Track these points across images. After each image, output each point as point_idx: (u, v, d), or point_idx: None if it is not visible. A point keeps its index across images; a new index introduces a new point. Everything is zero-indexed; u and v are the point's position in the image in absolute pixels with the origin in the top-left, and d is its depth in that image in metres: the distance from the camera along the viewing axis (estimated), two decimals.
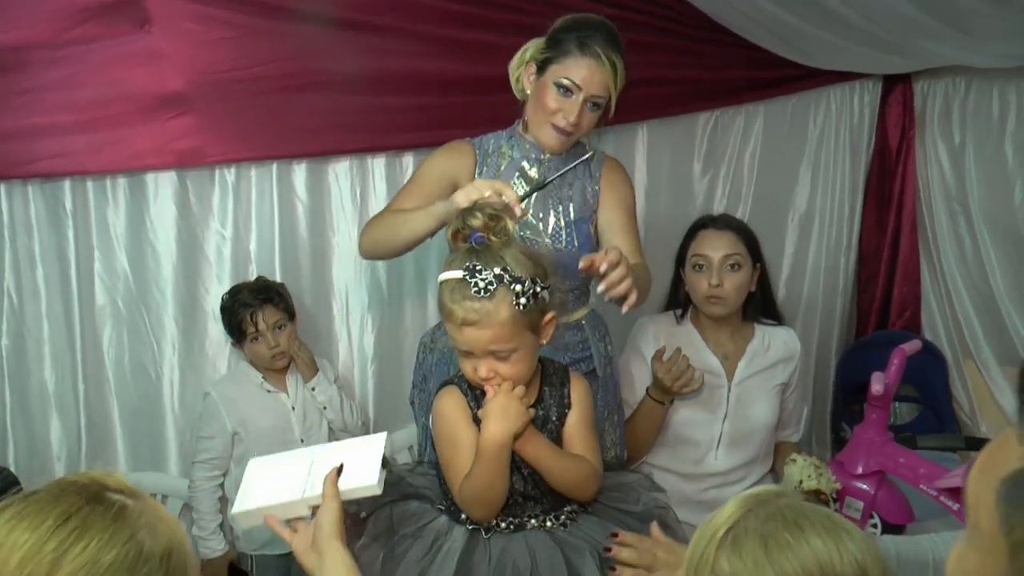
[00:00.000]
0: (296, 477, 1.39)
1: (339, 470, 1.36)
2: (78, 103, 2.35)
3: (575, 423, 1.57)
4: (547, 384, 1.58)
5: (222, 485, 2.45)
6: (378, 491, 1.36)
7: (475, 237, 1.43)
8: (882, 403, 2.10)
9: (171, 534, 0.93)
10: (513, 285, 1.40)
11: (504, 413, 1.44)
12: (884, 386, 2.04)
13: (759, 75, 3.04)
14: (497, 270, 1.40)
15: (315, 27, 2.51)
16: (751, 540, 0.93)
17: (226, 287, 2.51)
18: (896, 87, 3.24)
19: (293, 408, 2.46)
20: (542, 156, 2.08)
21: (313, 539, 1.30)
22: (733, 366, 2.33)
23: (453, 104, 2.63)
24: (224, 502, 2.44)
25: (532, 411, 1.48)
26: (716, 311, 2.30)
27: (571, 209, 2.08)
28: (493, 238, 1.44)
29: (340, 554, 1.27)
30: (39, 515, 0.87)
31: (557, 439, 1.56)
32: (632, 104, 2.86)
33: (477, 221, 1.44)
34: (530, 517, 1.52)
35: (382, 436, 1.45)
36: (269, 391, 2.46)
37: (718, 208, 3.14)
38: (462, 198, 1.69)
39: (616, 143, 2.99)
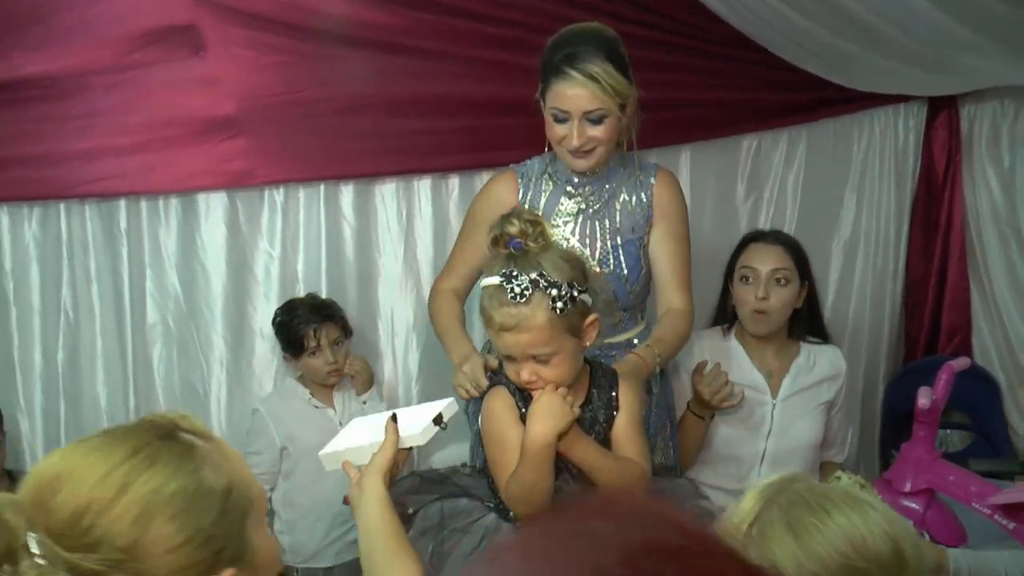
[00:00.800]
0: (374, 427, 1.47)
1: (394, 418, 1.42)
2: (133, 126, 2.43)
3: (623, 425, 1.58)
4: (595, 386, 1.59)
5: (270, 499, 2.47)
6: (422, 442, 1.42)
7: (513, 243, 1.46)
8: (930, 419, 2.06)
9: (234, 475, 0.98)
10: (549, 290, 1.43)
11: (548, 413, 1.45)
12: (932, 401, 2.00)
13: (801, 98, 3.04)
14: (533, 275, 1.42)
15: (361, 52, 2.58)
16: (778, 530, 0.93)
17: (274, 306, 2.56)
18: (941, 112, 3.22)
19: (340, 423, 2.49)
20: (582, 178, 2.07)
21: (361, 475, 1.36)
22: (778, 383, 2.31)
23: (498, 126, 2.66)
24: (272, 515, 2.47)
25: (578, 411, 1.48)
26: (760, 329, 2.30)
27: (618, 231, 2.07)
28: (531, 244, 1.47)
29: (378, 489, 1.33)
30: (113, 447, 0.93)
31: (605, 441, 1.56)
32: (675, 126, 2.92)
33: (514, 228, 1.47)
34: None
35: (449, 400, 1.50)
36: (317, 407, 2.49)
37: None
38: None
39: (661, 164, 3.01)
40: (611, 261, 2.06)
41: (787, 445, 2.25)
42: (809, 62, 2.88)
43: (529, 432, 1.45)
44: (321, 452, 1.53)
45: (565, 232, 2.06)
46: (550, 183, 2.10)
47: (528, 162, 2.15)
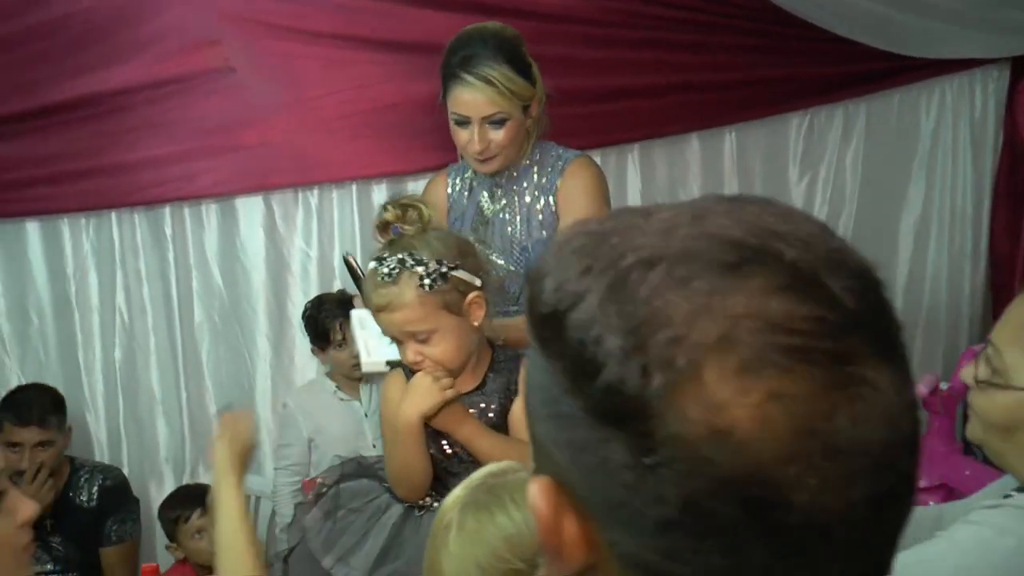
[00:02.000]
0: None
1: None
2: (175, 136, 2.60)
3: (520, 408, 1.56)
4: (493, 370, 1.59)
5: (301, 490, 2.58)
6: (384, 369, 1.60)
7: (393, 229, 1.49)
8: (946, 409, 1.91)
9: None
10: (415, 267, 1.45)
11: (415, 393, 1.49)
12: (934, 388, 1.85)
13: (855, 69, 2.87)
14: (401, 255, 1.46)
15: (388, 52, 2.65)
16: (449, 534, 0.89)
17: None
18: None
19: (366, 415, 2.57)
20: (496, 178, 2.03)
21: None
22: None
23: None
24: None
25: (450, 393, 1.49)
26: None
27: (529, 233, 2.01)
28: (407, 228, 1.49)
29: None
30: None
31: (500, 425, 1.57)
32: (715, 108, 2.83)
33: (389, 214, 1.50)
34: None
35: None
36: (343, 399, 2.58)
37: (819, 214, 2.96)
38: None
39: (702, 150, 2.93)
40: (523, 264, 2.02)
41: None
42: (853, 31, 2.71)
43: (397, 413, 1.50)
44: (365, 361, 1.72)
45: (482, 237, 2.03)
46: (474, 182, 2.08)
47: (462, 161, 2.13)
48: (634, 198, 2.89)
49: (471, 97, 1.87)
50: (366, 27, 2.65)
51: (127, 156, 2.58)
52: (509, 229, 2.03)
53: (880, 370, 0.49)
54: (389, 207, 1.51)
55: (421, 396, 1.48)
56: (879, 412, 0.48)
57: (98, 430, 2.72)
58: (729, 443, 0.46)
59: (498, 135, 1.90)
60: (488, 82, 1.86)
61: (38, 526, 0.90)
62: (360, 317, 1.73)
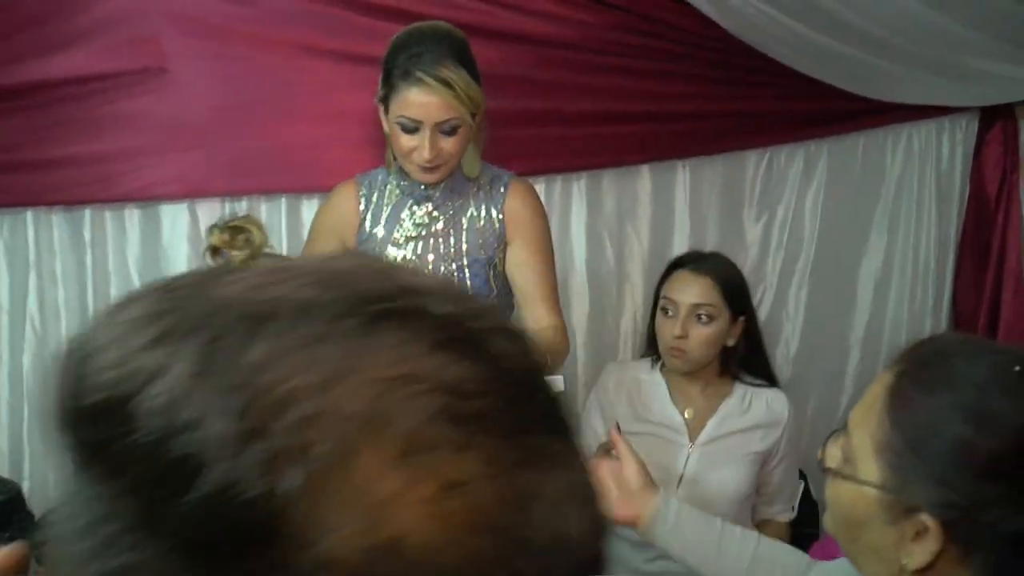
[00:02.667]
0: None
1: None
2: (100, 136, 2.49)
3: None
4: None
5: None
6: None
7: (223, 254, 1.36)
8: None
9: None
10: None
11: None
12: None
13: (821, 107, 2.75)
14: None
15: (335, 62, 2.55)
16: None
17: None
18: (995, 125, 2.83)
19: None
20: (430, 190, 1.91)
21: None
22: (700, 425, 2.06)
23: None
24: None
25: None
26: (676, 364, 2.07)
27: (464, 251, 1.91)
28: (235, 252, 1.36)
29: None
30: None
31: None
32: (668, 139, 2.71)
33: (214, 238, 1.36)
34: None
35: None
36: None
37: (775, 258, 2.86)
38: None
39: (653, 183, 2.81)
40: (456, 271, 1.92)
41: (702, 495, 1.99)
42: (816, 70, 2.60)
43: None
44: None
45: (406, 252, 1.92)
46: (396, 192, 1.95)
47: (373, 171, 2.02)
48: (578, 230, 2.77)
49: (426, 100, 1.72)
50: (319, 35, 2.54)
51: (48, 152, 2.47)
52: (443, 247, 1.91)
53: (559, 442, 0.39)
54: (216, 230, 1.37)
55: None
56: (571, 493, 0.38)
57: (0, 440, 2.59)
58: (401, 558, 0.33)
59: (449, 143, 1.77)
60: (446, 84, 1.72)
61: None
62: None
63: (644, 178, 2.80)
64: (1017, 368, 0.90)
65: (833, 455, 0.98)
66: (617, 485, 1.39)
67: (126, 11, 2.45)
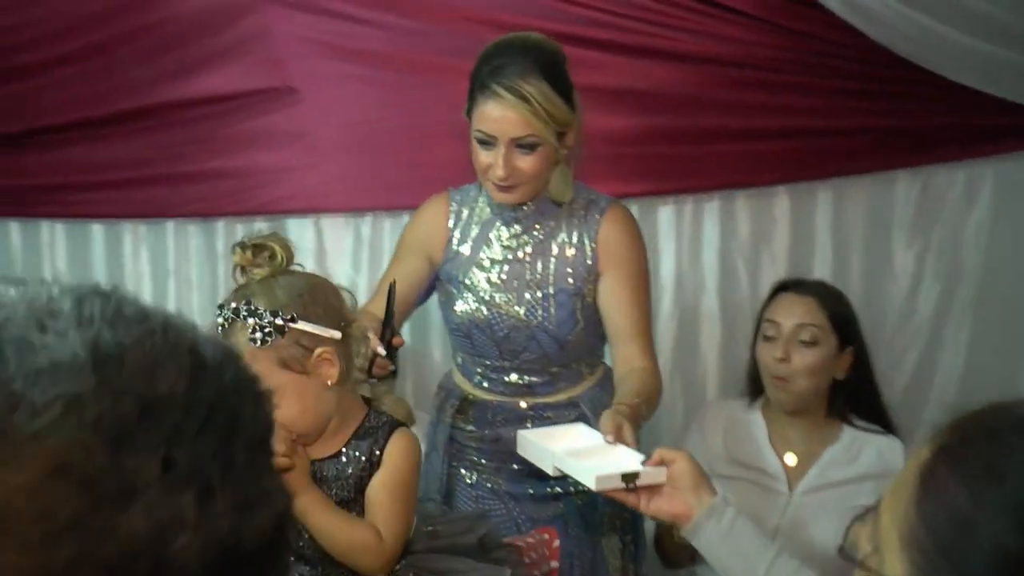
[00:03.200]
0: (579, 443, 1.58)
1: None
2: (232, 152, 2.60)
3: (378, 485, 1.38)
4: (357, 436, 1.40)
5: None
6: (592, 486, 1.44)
7: (249, 271, 1.34)
8: None
9: None
10: (247, 319, 1.29)
11: None
12: None
13: (985, 123, 2.45)
14: (236, 304, 1.30)
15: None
16: None
17: None
18: None
19: None
20: (518, 211, 1.80)
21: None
22: (800, 472, 1.86)
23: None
24: None
25: (282, 460, 1.30)
26: (780, 397, 1.88)
27: (550, 280, 1.79)
28: (256, 271, 1.33)
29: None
30: None
31: (353, 500, 1.39)
32: (808, 158, 2.50)
33: (237, 257, 1.35)
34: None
35: (659, 468, 1.46)
36: None
37: (929, 291, 2.58)
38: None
39: (792, 205, 2.60)
40: (538, 313, 1.77)
41: (799, 550, 1.77)
42: (978, 80, 2.32)
43: None
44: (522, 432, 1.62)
45: (490, 275, 1.81)
46: (486, 210, 1.84)
47: (465, 186, 1.91)
48: (710, 256, 2.61)
49: (501, 114, 1.64)
50: (447, 54, 2.53)
51: (185, 168, 2.60)
52: (529, 274, 1.81)
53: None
54: (238, 249, 1.36)
55: None
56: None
57: None
58: None
59: (526, 162, 1.66)
60: (523, 99, 1.62)
61: None
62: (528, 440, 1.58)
63: (782, 201, 2.60)
64: None
65: (862, 540, 0.81)
66: (668, 480, 1.37)
67: (258, 33, 2.55)
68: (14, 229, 2.77)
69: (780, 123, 2.49)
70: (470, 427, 1.84)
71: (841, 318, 1.87)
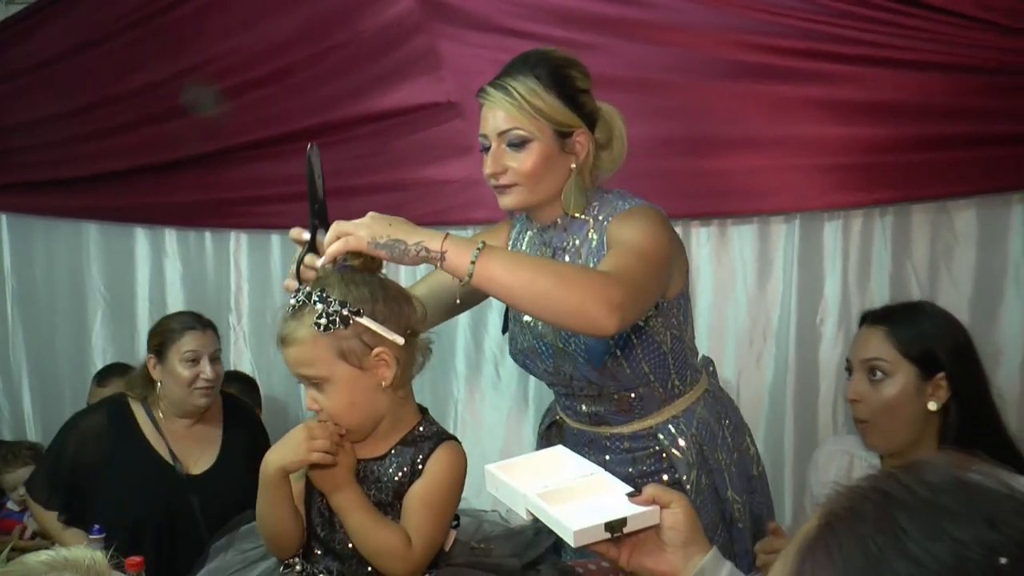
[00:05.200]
0: (552, 475, 1.29)
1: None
2: (393, 167, 2.72)
3: (416, 494, 1.35)
4: (404, 443, 1.38)
5: None
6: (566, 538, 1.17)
7: (341, 264, 1.36)
8: None
9: None
10: (316, 304, 1.29)
11: (283, 444, 1.33)
12: None
13: None
14: (311, 289, 1.31)
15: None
16: None
17: None
18: None
19: None
20: (546, 233, 1.68)
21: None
22: None
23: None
24: None
25: (316, 456, 1.29)
26: (871, 441, 1.69)
27: None
28: (351, 261, 1.35)
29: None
30: None
31: (391, 503, 1.36)
32: (996, 167, 2.27)
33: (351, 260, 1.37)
34: (325, 574, 1.37)
35: (649, 508, 1.16)
36: None
37: None
38: None
39: (980, 222, 2.37)
40: (573, 339, 1.63)
41: None
42: None
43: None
44: (488, 467, 1.30)
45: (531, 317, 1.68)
46: (531, 239, 1.73)
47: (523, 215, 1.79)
48: (880, 276, 2.42)
49: (487, 113, 1.59)
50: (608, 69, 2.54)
51: (354, 181, 2.74)
52: None
53: None
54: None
55: (286, 449, 1.32)
56: None
57: None
58: None
59: (516, 160, 1.56)
60: (505, 91, 1.56)
61: None
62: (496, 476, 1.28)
63: (967, 216, 2.38)
64: (1004, 560, 0.55)
65: None
66: (658, 535, 1.12)
67: (426, 52, 2.65)
68: (208, 238, 3.03)
69: (964, 130, 2.29)
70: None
71: (920, 344, 1.65)
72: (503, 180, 1.59)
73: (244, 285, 2.98)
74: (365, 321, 1.31)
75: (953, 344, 1.66)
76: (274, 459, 1.33)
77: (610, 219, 1.61)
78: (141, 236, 3.08)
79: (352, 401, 1.33)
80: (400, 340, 1.32)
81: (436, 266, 1.34)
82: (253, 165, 2.86)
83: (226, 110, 2.85)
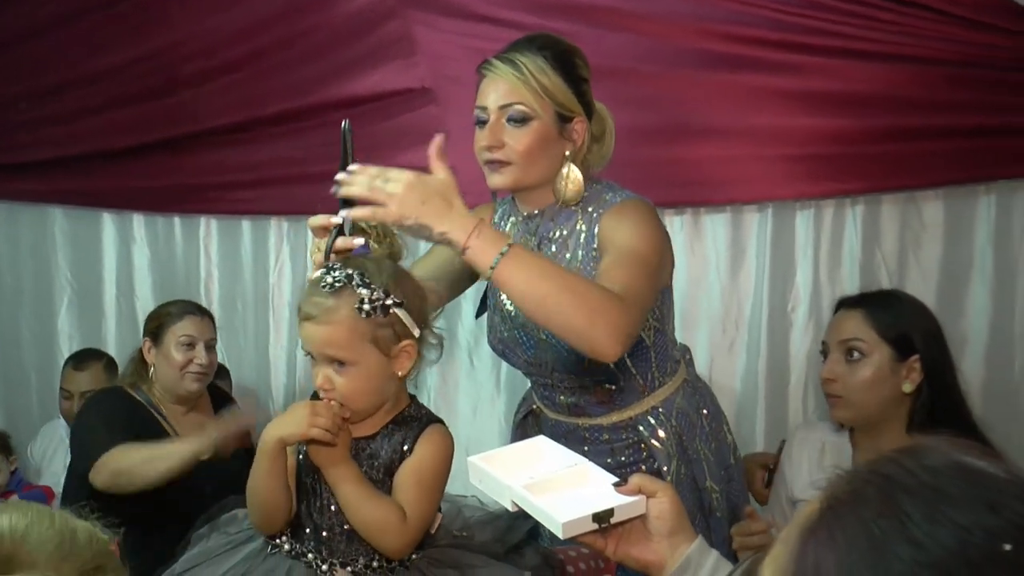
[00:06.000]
0: (537, 467, 1.27)
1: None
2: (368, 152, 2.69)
3: (408, 471, 1.36)
4: (393, 423, 1.39)
5: None
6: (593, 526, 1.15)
7: (362, 248, 1.35)
8: None
9: None
10: (360, 288, 1.28)
11: (284, 418, 1.33)
12: None
13: None
14: (351, 271, 1.30)
15: None
16: None
17: None
18: None
19: None
20: (532, 221, 1.65)
21: None
22: None
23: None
24: None
25: (315, 432, 1.29)
26: (837, 415, 1.75)
27: None
28: (377, 247, 1.35)
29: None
30: None
31: (382, 481, 1.37)
32: (963, 159, 2.31)
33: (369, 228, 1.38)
34: (313, 553, 1.36)
35: (636, 498, 1.15)
36: None
37: None
38: None
39: (947, 213, 2.40)
40: (543, 331, 1.60)
41: None
42: None
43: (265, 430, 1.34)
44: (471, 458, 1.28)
45: (512, 306, 1.66)
46: (514, 225, 1.70)
47: (506, 199, 1.75)
48: (850, 265, 2.46)
49: (490, 83, 1.55)
50: None
51: (327, 167, 2.66)
52: None
53: None
54: (367, 226, 1.39)
55: (287, 422, 1.32)
56: None
57: None
58: None
59: (515, 137, 1.53)
60: (513, 65, 1.54)
61: None
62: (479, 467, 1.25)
63: (935, 207, 2.42)
64: (1008, 547, 0.55)
65: None
66: (644, 524, 1.11)
67: (399, 37, 2.63)
68: (176, 224, 2.99)
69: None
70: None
71: (896, 327, 1.70)
72: (498, 155, 1.55)
73: (214, 272, 2.94)
74: (401, 313, 1.31)
75: (927, 329, 1.71)
76: (274, 431, 1.33)
77: (600, 212, 1.59)
78: (108, 221, 3.03)
79: (370, 387, 1.34)
80: (418, 333, 1.34)
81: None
82: (223, 150, 2.83)
83: (196, 93, 2.81)
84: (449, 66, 2.60)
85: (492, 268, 1.29)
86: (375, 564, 1.36)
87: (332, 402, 1.32)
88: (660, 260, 1.54)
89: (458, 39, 2.59)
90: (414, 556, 1.38)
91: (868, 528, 0.58)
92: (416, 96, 2.65)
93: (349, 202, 1.34)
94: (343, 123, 1.37)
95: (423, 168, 2.57)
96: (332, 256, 1.34)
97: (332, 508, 1.36)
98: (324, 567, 1.36)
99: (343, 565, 1.36)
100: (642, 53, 2.46)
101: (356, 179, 1.31)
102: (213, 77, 2.79)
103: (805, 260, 2.48)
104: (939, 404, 1.69)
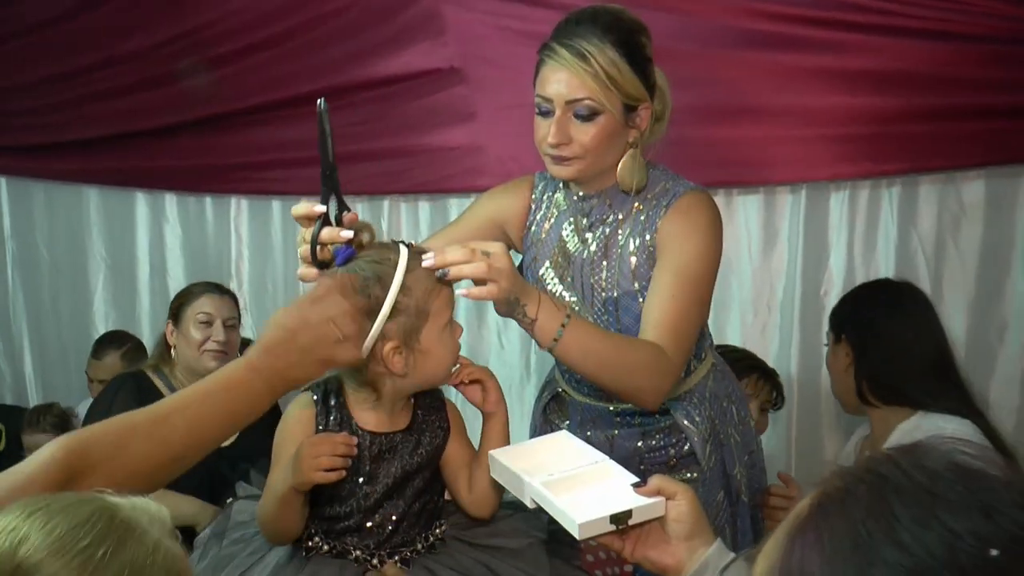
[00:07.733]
0: (560, 461, 1.27)
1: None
2: (398, 132, 2.68)
3: (458, 448, 1.38)
4: (420, 408, 1.37)
5: None
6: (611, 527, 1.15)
7: (345, 250, 1.26)
8: None
9: None
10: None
11: (291, 464, 1.26)
12: None
13: None
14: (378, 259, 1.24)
15: None
16: None
17: None
18: None
19: None
20: (585, 202, 1.60)
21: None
22: None
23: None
24: None
25: (318, 476, 1.23)
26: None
27: (616, 282, 1.58)
28: (363, 236, 1.28)
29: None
30: None
31: (430, 464, 1.36)
32: (1005, 139, 2.25)
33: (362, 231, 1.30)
34: (360, 550, 1.33)
35: (655, 500, 1.14)
36: None
37: None
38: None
39: (988, 195, 2.34)
40: (605, 317, 1.59)
41: None
42: None
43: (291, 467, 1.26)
44: (492, 452, 1.29)
45: (557, 281, 1.64)
46: (560, 203, 1.65)
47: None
48: (886, 248, 2.40)
49: (557, 75, 1.46)
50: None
51: (354, 147, 2.69)
52: (594, 277, 1.60)
53: None
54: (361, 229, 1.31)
55: (293, 470, 1.24)
56: None
57: None
58: None
59: (583, 131, 1.47)
60: (581, 56, 1.45)
61: None
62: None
63: (974, 188, 2.35)
64: (995, 552, 0.54)
65: None
66: (662, 526, 1.10)
67: (429, 16, 2.61)
68: (208, 204, 3.00)
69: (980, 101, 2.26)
70: (566, 422, 1.74)
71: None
72: (566, 152, 1.49)
73: (244, 251, 2.96)
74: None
75: (845, 312, 1.98)
76: (285, 482, 1.26)
77: (662, 204, 1.56)
78: (141, 201, 3.06)
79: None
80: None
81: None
82: (254, 130, 2.83)
83: (227, 74, 2.81)
84: (479, 46, 2.58)
85: (556, 341, 1.36)
86: (419, 547, 1.34)
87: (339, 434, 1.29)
88: (715, 273, 1.55)
89: (489, 19, 2.56)
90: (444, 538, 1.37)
91: (855, 529, 0.57)
92: (445, 76, 2.63)
93: (331, 188, 1.29)
94: (318, 102, 1.30)
95: (452, 147, 2.63)
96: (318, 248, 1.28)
97: (383, 502, 1.33)
98: (374, 561, 1.32)
99: (390, 555, 1.33)
100: (678, 32, 2.41)
101: (456, 254, 1.25)
102: (244, 57, 2.79)
103: (839, 242, 2.44)
104: (871, 376, 1.87)
